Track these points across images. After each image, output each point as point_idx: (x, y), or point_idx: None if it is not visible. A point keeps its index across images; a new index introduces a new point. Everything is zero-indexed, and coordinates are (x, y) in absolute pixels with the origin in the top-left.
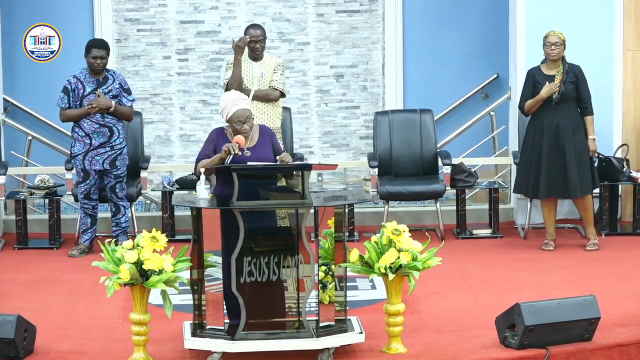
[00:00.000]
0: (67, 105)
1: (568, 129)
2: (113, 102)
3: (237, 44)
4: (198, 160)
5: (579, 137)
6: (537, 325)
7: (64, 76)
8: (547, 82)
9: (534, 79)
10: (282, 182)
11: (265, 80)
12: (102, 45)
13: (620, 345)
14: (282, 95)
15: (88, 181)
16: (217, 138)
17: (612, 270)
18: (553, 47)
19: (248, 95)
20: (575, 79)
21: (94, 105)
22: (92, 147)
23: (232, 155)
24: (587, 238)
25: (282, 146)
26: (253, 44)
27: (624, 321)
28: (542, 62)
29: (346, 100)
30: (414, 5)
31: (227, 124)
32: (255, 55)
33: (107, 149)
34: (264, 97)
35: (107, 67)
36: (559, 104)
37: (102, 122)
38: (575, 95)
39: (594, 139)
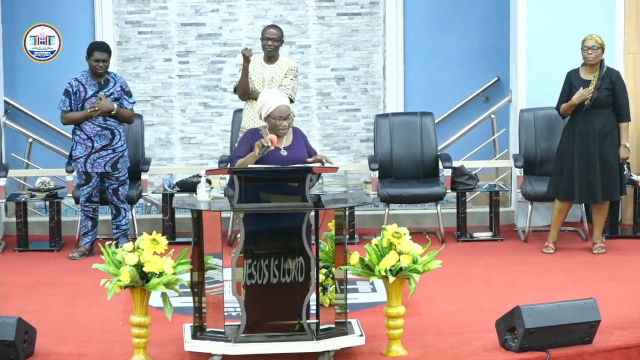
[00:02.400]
0: (69, 108)
1: (597, 134)
2: (115, 105)
3: (244, 52)
4: (232, 161)
5: (607, 144)
6: (537, 328)
7: (64, 78)
8: (582, 88)
9: (571, 82)
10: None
11: (275, 84)
12: (104, 48)
13: (620, 348)
14: (290, 101)
15: (90, 184)
16: (252, 138)
17: (613, 273)
18: (590, 52)
19: (255, 99)
20: (611, 85)
21: (97, 108)
22: (94, 150)
23: (265, 149)
24: (593, 242)
25: None
26: (265, 41)
27: (624, 324)
28: (582, 65)
29: (347, 102)
30: (415, 8)
31: (262, 125)
32: (268, 54)
33: (109, 151)
34: None
35: (108, 69)
36: (592, 110)
37: (104, 125)
38: (610, 101)
39: (626, 146)
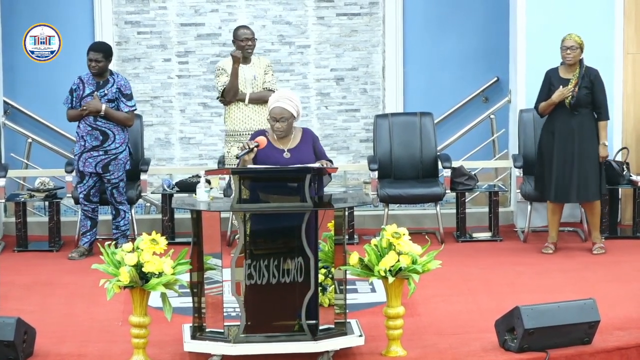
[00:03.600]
0: (70, 105)
1: (577, 133)
2: (103, 106)
3: (234, 54)
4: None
5: (588, 142)
6: (536, 329)
7: (64, 78)
8: (561, 86)
9: (550, 81)
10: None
11: (258, 82)
12: (98, 48)
13: (619, 349)
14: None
15: (85, 182)
16: (254, 138)
17: (612, 273)
18: (568, 52)
19: (244, 100)
20: (590, 83)
21: (85, 107)
22: (85, 149)
23: (248, 151)
24: (592, 242)
25: None
26: (245, 42)
27: (623, 325)
28: (561, 64)
29: (346, 103)
30: (415, 8)
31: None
32: (246, 55)
33: (100, 152)
34: (260, 99)
35: (113, 71)
36: (571, 109)
37: (93, 125)
38: (589, 100)
39: (606, 145)
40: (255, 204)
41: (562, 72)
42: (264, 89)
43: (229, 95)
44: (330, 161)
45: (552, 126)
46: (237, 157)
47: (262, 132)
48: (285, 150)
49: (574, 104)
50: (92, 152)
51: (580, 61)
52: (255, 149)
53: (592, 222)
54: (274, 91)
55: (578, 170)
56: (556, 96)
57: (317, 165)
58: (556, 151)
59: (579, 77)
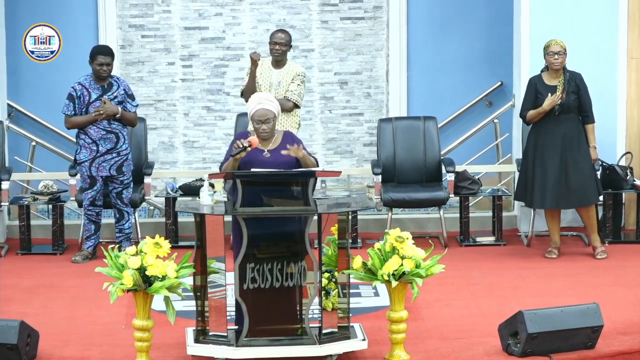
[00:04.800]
0: (73, 112)
1: (570, 139)
2: (120, 109)
3: (252, 55)
4: (222, 164)
5: (580, 147)
6: (540, 333)
7: (66, 81)
8: (550, 94)
9: (536, 89)
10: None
11: (282, 89)
12: (107, 52)
13: (623, 354)
14: (296, 106)
15: (95, 188)
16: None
17: (616, 278)
18: (556, 57)
19: None
20: (576, 88)
21: (101, 112)
22: (99, 154)
23: (241, 150)
24: (593, 247)
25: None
26: (273, 45)
27: (627, 329)
28: (542, 71)
29: (350, 107)
30: (418, 12)
31: (252, 129)
32: (275, 58)
33: (114, 155)
34: None
35: (111, 73)
36: (559, 115)
37: (108, 129)
38: (576, 104)
39: (595, 148)
40: (258, 207)
41: (546, 78)
42: (284, 97)
43: (246, 96)
44: (316, 160)
45: (540, 133)
46: (231, 156)
47: (245, 133)
48: (266, 150)
49: (563, 110)
50: (105, 156)
51: (564, 66)
52: (249, 148)
53: (590, 225)
54: (292, 101)
55: (571, 177)
56: (547, 104)
57: (320, 168)
58: (545, 158)
59: (565, 82)
